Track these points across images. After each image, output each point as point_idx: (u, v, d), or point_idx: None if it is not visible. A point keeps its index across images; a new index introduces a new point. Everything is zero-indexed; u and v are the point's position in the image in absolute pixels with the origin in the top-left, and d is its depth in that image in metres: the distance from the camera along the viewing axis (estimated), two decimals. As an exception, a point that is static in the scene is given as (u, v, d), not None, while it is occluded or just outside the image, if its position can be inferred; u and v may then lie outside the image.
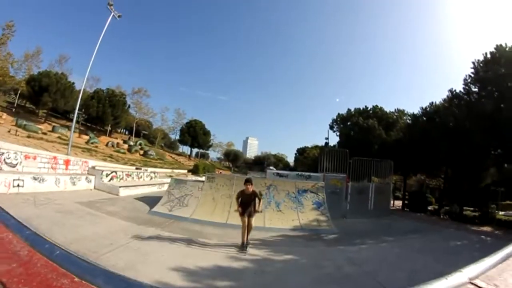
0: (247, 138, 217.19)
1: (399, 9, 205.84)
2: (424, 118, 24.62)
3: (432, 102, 24.99)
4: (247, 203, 7.93)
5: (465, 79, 20.06)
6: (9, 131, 35.67)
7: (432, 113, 23.74)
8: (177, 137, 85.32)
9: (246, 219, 7.89)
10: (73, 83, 54.99)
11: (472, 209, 20.11)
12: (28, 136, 37.60)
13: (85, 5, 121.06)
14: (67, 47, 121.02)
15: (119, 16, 37.27)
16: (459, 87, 21.19)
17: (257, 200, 8.04)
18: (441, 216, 20.62)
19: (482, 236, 12.69)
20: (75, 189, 14.79)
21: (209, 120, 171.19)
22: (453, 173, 22.13)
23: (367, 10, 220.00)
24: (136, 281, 1.80)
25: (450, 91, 21.93)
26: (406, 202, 25.80)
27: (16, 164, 13.41)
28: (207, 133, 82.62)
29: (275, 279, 5.98)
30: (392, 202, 23.91)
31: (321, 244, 9.46)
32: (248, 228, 8.03)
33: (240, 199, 7.99)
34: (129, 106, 66.74)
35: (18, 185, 11.39)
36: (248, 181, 8.13)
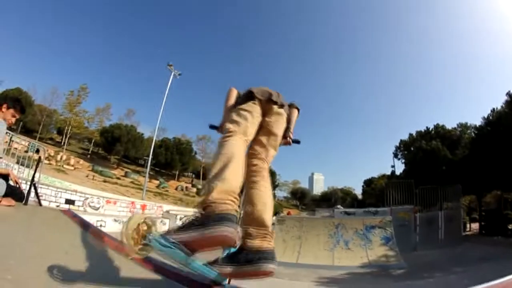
0: (312, 174, 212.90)
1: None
2: (488, 128, 23.27)
3: (494, 109, 23.94)
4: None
5: (521, 76, 19.12)
6: (87, 176, 40.62)
7: (495, 121, 22.53)
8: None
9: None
10: (142, 134, 61.53)
11: None
12: (104, 181, 42.28)
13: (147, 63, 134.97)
14: (134, 102, 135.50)
15: (179, 75, 41.59)
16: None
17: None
18: (524, 234, 19.24)
19: None
20: (151, 231, 16.57)
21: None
22: (531, 182, 20.35)
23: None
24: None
25: (508, 94, 21.00)
26: (483, 223, 24.27)
27: (99, 207, 15.51)
28: (272, 174, 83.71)
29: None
30: (468, 225, 22.84)
31: (389, 280, 9.83)
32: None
33: None
34: (195, 153, 71.11)
35: (100, 225, 12.81)
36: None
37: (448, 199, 19.33)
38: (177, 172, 68.25)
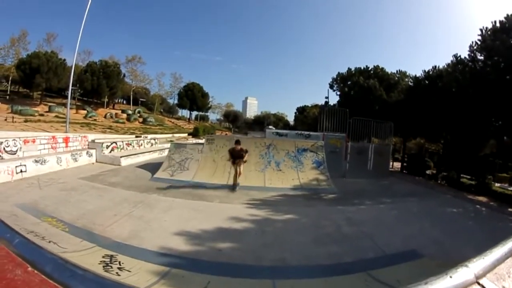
0: (246, 98, 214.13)
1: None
2: (426, 82, 23.67)
3: (435, 66, 24.07)
4: (237, 156, 10.64)
5: (471, 46, 19.19)
6: (5, 119, 35.03)
7: (434, 77, 22.81)
8: (176, 102, 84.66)
9: (236, 167, 10.66)
10: (64, 60, 53.57)
11: (469, 177, 20.00)
12: (26, 121, 37.28)
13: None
14: (55, 25, 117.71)
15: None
16: (464, 54, 20.30)
17: (245, 154, 10.81)
18: (439, 181, 20.59)
19: (478, 206, 12.58)
20: (77, 165, 14.62)
21: (207, 82, 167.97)
22: (453, 140, 21.63)
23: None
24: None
25: (455, 56, 21.18)
26: (405, 164, 25.77)
27: (16, 150, 13.15)
28: (205, 95, 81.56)
29: (276, 239, 6.10)
30: (391, 163, 23.94)
31: (321, 204, 9.61)
32: (237, 173, 10.68)
33: (231, 154, 10.72)
34: (124, 75, 65.39)
35: (21, 171, 11.26)
36: (237, 142, 10.94)
37: (380, 134, 19.71)
38: (105, 99, 62.72)
